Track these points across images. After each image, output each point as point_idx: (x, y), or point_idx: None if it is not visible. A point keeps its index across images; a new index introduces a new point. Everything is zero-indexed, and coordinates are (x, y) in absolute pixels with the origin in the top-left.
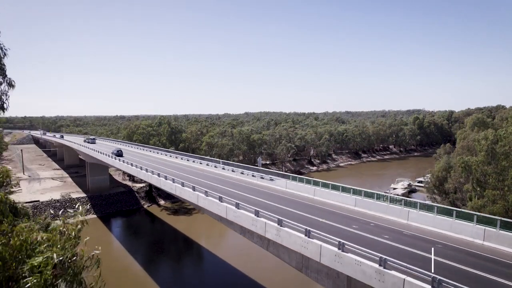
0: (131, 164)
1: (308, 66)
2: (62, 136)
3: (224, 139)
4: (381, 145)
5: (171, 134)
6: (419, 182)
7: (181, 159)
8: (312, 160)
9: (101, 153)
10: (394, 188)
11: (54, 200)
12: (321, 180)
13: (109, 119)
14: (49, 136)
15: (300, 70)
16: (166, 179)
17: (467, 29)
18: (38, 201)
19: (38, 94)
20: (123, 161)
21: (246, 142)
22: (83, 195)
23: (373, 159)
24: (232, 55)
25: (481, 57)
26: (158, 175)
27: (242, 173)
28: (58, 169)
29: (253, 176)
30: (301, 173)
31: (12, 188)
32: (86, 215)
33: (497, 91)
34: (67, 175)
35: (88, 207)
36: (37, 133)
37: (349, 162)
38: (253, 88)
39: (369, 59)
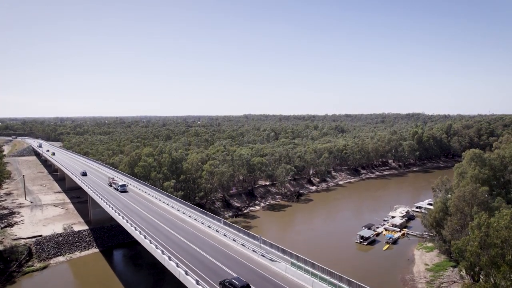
0: (144, 237)
1: (308, 67)
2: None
3: (224, 166)
4: (380, 160)
5: (172, 164)
6: (417, 207)
7: (183, 213)
8: (312, 179)
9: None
10: (393, 217)
11: (57, 234)
12: (320, 266)
13: (108, 124)
14: (44, 151)
15: (300, 71)
16: (170, 260)
17: (466, 30)
18: (41, 235)
19: (38, 94)
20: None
21: (246, 166)
22: (86, 227)
23: (372, 175)
24: (232, 55)
25: (481, 58)
26: (162, 252)
27: (243, 245)
28: (59, 192)
29: (253, 251)
30: (300, 194)
31: (15, 216)
32: (88, 249)
33: (497, 91)
34: (68, 200)
35: (91, 240)
36: (34, 143)
37: (349, 180)
38: (253, 89)
39: (368, 59)
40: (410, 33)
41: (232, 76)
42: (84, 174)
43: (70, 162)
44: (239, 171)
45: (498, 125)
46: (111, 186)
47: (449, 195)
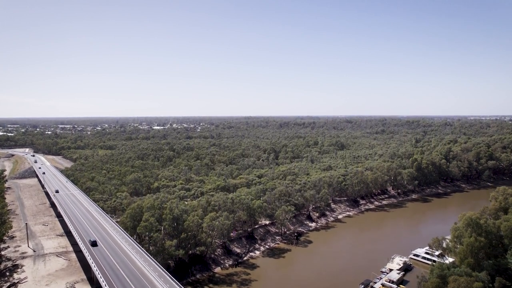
0: None
1: (309, 68)
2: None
3: (224, 214)
4: (379, 188)
5: (173, 221)
6: (414, 255)
7: None
8: (311, 214)
9: None
10: (390, 269)
11: None
12: None
13: (109, 133)
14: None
15: (302, 71)
16: None
17: (467, 31)
18: None
19: (38, 95)
20: None
21: (247, 211)
22: (88, 287)
23: (371, 206)
24: (233, 56)
25: (481, 59)
26: None
27: None
28: (62, 236)
29: None
30: (300, 234)
31: (18, 272)
32: None
33: (497, 92)
34: (71, 248)
35: None
36: (33, 160)
37: (348, 213)
38: (254, 89)
39: (369, 61)
40: (411, 35)
41: (233, 77)
42: (94, 244)
43: (73, 207)
44: (239, 214)
45: (497, 147)
46: None
47: (446, 260)
